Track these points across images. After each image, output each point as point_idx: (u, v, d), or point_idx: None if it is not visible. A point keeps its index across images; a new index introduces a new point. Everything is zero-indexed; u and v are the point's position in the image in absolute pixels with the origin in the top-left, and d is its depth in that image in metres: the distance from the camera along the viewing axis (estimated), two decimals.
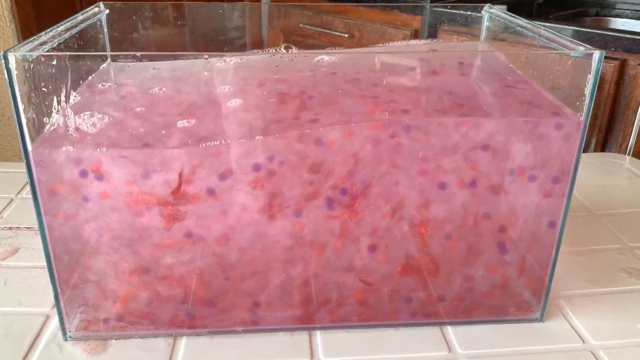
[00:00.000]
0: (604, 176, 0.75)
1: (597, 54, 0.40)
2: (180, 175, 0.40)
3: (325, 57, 0.45)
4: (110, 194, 0.40)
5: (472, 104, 0.44)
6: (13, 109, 0.38)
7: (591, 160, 0.80)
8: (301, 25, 1.42)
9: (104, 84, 0.47)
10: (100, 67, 0.50)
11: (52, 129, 0.39)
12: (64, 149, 0.39)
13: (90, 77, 0.48)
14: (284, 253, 0.43)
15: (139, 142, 0.40)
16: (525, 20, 0.51)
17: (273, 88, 0.46)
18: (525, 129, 0.41)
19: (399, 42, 0.46)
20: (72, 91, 0.41)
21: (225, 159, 0.40)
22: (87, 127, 0.40)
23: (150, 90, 0.45)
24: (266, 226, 0.42)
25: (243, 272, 0.44)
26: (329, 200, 0.42)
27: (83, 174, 0.40)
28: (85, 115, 0.40)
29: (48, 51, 0.40)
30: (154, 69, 0.47)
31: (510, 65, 0.52)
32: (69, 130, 0.39)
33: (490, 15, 0.57)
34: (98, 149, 0.39)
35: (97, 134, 0.40)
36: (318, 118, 0.41)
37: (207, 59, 0.41)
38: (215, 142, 0.40)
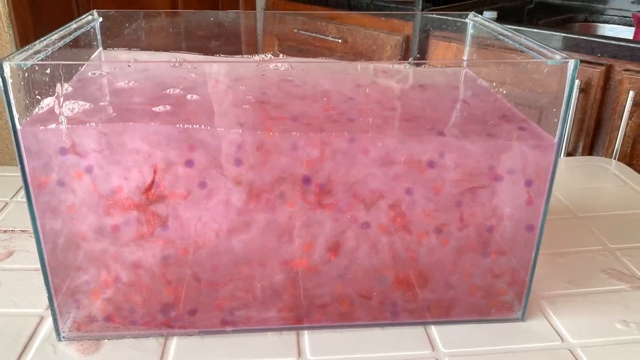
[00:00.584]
0: (589, 179, 0.76)
1: (572, 63, 0.42)
2: (155, 171, 0.41)
3: (279, 65, 0.47)
4: (89, 184, 0.41)
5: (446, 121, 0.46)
6: (8, 116, 0.39)
7: (577, 164, 0.82)
8: (295, 30, 1.44)
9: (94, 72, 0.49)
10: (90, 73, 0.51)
11: (41, 115, 0.41)
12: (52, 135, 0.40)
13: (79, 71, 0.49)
14: (269, 251, 0.45)
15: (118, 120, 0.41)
16: (508, 28, 0.53)
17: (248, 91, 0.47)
18: (495, 148, 0.43)
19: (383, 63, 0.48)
20: (64, 91, 0.42)
21: (201, 145, 0.41)
22: (71, 112, 0.41)
23: (131, 83, 0.47)
24: (248, 224, 0.44)
25: (227, 273, 0.45)
26: (304, 199, 0.43)
27: (63, 151, 0.41)
28: (71, 103, 0.41)
29: (42, 60, 0.41)
30: (129, 65, 0.48)
31: (489, 87, 0.53)
32: (61, 124, 0.41)
33: (474, 23, 0.59)
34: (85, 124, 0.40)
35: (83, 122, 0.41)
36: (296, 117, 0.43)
37: (195, 68, 0.43)
38: (190, 125, 0.41)
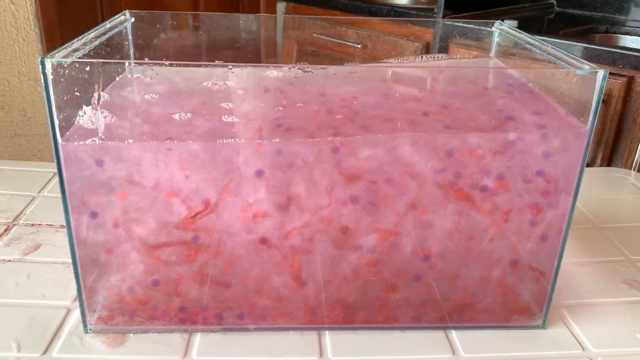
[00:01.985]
0: (609, 190, 0.76)
1: (601, 73, 0.42)
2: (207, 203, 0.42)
3: (274, 72, 0.48)
4: (132, 192, 0.42)
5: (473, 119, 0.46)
6: (47, 112, 0.40)
7: (597, 175, 0.82)
8: (315, 35, 1.45)
9: (129, 87, 0.50)
10: (124, 72, 0.52)
11: (80, 125, 0.42)
12: (91, 141, 0.41)
13: (115, 80, 0.50)
14: (295, 256, 0.45)
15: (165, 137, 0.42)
16: (535, 38, 0.53)
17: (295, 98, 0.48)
18: (528, 141, 0.43)
19: (412, 57, 0.48)
20: (101, 92, 0.43)
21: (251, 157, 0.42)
22: (112, 120, 0.42)
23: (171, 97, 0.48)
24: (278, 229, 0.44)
25: (251, 274, 0.46)
26: (342, 202, 0.44)
27: (99, 163, 0.42)
28: (112, 114, 0.42)
29: (80, 57, 0.42)
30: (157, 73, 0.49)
31: (521, 79, 0.53)
32: (99, 128, 0.41)
33: (501, 31, 0.59)
34: (125, 141, 0.41)
35: (121, 129, 0.42)
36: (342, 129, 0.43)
37: (231, 69, 0.44)
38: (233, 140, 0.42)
